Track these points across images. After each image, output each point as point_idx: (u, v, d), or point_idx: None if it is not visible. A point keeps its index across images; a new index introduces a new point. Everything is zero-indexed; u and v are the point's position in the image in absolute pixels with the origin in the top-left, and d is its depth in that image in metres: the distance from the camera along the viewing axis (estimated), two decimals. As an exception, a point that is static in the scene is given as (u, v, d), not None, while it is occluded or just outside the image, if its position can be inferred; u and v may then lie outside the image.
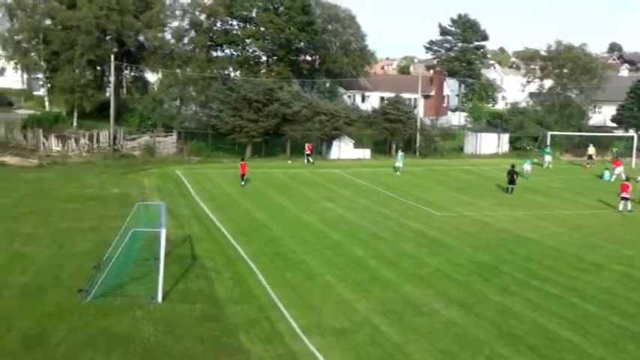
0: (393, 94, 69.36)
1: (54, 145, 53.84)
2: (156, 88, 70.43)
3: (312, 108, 60.57)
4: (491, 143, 67.36)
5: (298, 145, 61.57)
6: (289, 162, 56.87)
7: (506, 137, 68.13)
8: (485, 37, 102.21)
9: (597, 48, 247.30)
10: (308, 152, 57.69)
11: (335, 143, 61.61)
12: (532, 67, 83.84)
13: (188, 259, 24.88)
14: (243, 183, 43.50)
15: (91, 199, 36.19)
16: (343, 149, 61.56)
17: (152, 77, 74.17)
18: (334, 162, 58.98)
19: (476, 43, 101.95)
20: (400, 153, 54.00)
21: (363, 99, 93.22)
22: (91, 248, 25.31)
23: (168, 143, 57.57)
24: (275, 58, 74.39)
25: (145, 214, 25.43)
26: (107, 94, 66.02)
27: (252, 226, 31.43)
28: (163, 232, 20.19)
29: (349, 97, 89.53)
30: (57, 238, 26.92)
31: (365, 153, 62.39)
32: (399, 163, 51.95)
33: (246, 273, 23.59)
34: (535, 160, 57.36)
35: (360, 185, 45.78)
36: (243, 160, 46.51)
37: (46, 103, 69.56)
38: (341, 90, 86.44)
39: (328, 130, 60.24)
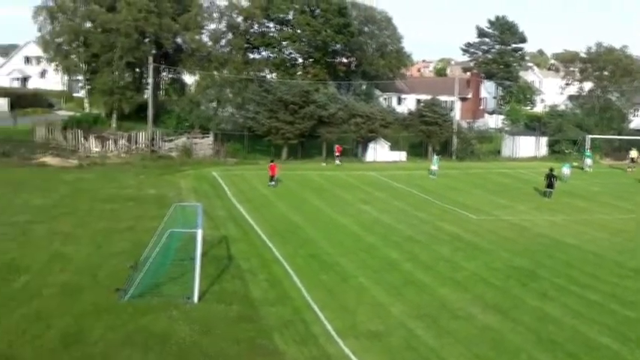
0: (429, 97, 69.07)
1: (93, 146, 54.62)
2: (193, 90, 71.03)
3: (347, 110, 60.52)
4: (529, 146, 66.60)
5: (334, 147, 61.69)
6: (323, 164, 56.83)
7: (544, 140, 67.33)
8: (523, 39, 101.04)
9: (639, 50, 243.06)
10: (337, 154, 57.65)
11: (371, 145, 61.46)
12: (571, 69, 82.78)
13: (224, 259, 25.00)
14: (273, 183, 43.86)
15: (129, 199, 36.60)
16: (379, 152, 61.38)
17: (189, 79, 74.84)
18: (370, 164, 58.85)
19: (514, 45, 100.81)
20: (435, 156, 53.66)
21: (399, 101, 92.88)
22: (129, 248, 25.58)
23: (204, 145, 58.02)
24: (311, 60, 74.54)
25: (182, 215, 25.62)
26: (145, 96, 66.62)
27: (288, 227, 31.49)
28: (200, 233, 20.31)
29: (385, 99, 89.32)
30: (95, 238, 27.27)
31: (401, 155, 62.12)
32: (434, 167, 51.60)
33: (282, 275, 23.63)
34: (574, 164, 56.53)
35: (395, 188, 45.59)
36: (272, 161, 46.81)
37: (86, 105, 70.63)
38: (377, 92, 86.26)
39: (364, 133, 60.13)
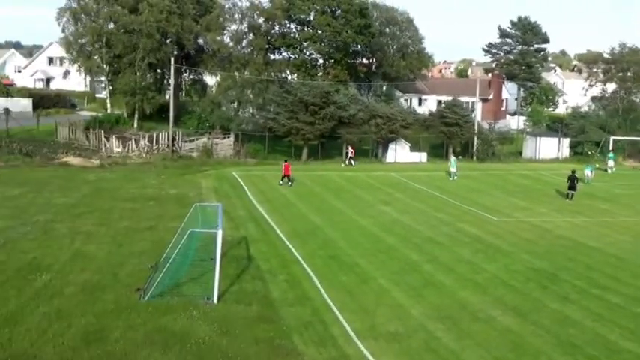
0: (450, 98, 68.75)
1: (115, 146, 55.03)
2: (214, 91, 71.35)
3: (368, 111, 60.41)
4: (550, 148, 66.05)
5: (355, 149, 61.67)
6: (343, 165, 56.70)
7: (566, 142, 66.73)
8: (545, 40, 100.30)
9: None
10: (351, 155, 57.40)
11: (391, 147, 61.30)
12: (594, 70, 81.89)
13: (243, 260, 25.08)
14: (289, 183, 44.34)
15: (150, 199, 36.84)
16: (399, 153, 61.22)
17: (210, 80, 75.20)
18: (390, 165, 58.72)
19: (536, 46, 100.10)
20: (453, 158, 53.28)
21: (420, 102, 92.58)
22: (149, 248, 25.75)
23: (225, 145, 58.22)
24: (332, 61, 74.50)
25: (202, 215, 25.78)
26: (167, 97, 67.05)
27: (308, 228, 31.52)
28: (220, 233, 20.40)
29: (406, 100, 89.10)
30: (116, 237, 27.48)
31: (421, 157, 61.91)
32: (452, 169, 51.28)
33: (301, 275, 23.66)
34: (597, 166, 55.98)
35: (415, 189, 45.46)
36: (286, 161, 47.11)
37: (108, 105, 71.22)
38: (398, 93, 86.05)
39: (384, 134, 59.97)
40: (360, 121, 59.56)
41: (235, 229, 30.31)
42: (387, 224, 33.03)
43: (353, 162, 57.17)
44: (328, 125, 57.57)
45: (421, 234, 31.04)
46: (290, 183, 44.36)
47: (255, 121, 63.99)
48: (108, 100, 71.26)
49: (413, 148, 62.19)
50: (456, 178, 50.20)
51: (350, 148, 57.90)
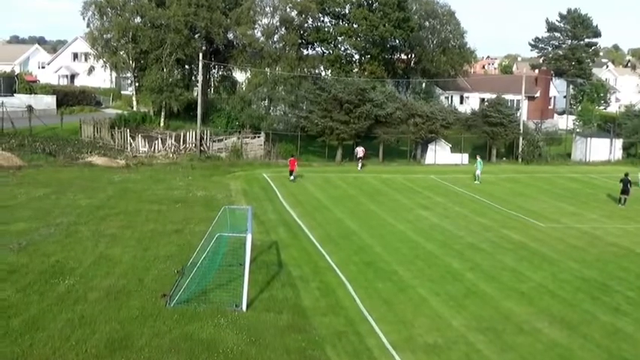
0: (494, 95, 68.32)
1: (141, 145, 55.58)
2: (244, 88, 71.63)
3: (406, 109, 60.24)
4: (602, 149, 65.19)
5: (392, 149, 61.44)
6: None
7: (619, 143, 65.82)
8: (597, 34, 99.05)
9: None
10: (361, 156, 56.09)
11: (430, 147, 61.06)
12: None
13: (274, 266, 25.15)
14: (291, 177, 45.90)
15: (177, 201, 37.12)
16: (439, 154, 60.95)
17: (240, 76, 75.47)
18: (429, 167, 58.49)
19: (587, 40, 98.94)
20: (479, 159, 52.62)
21: (462, 100, 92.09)
22: (176, 252, 25.96)
23: (255, 145, 58.50)
24: (368, 56, 74.37)
25: (231, 218, 25.90)
26: (195, 94, 67.55)
27: (342, 233, 31.53)
28: (249, 238, 20.46)
29: (446, 98, 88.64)
30: (142, 241, 27.74)
31: (463, 158, 61.55)
32: (478, 171, 50.66)
33: (335, 283, 23.66)
34: (651, 169, 55.08)
35: (456, 192, 45.22)
36: (293, 155, 47.53)
37: (134, 103, 71.97)
38: (438, 91, 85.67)
39: (423, 133, 59.77)
40: (397, 120, 59.42)
41: (265, 233, 30.43)
42: (426, 229, 32.91)
43: (360, 164, 55.83)
44: (364, 124, 57.54)
45: (462, 240, 30.87)
46: (292, 178, 45.78)
47: (287, 119, 64.15)
48: (134, 98, 71.98)
49: (454, 149, 61.89)
50: (478, 182, 49.47)
51: (360, 148, 56.87)
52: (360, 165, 55.86)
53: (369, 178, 49.91)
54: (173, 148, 55.86)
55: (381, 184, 47.45)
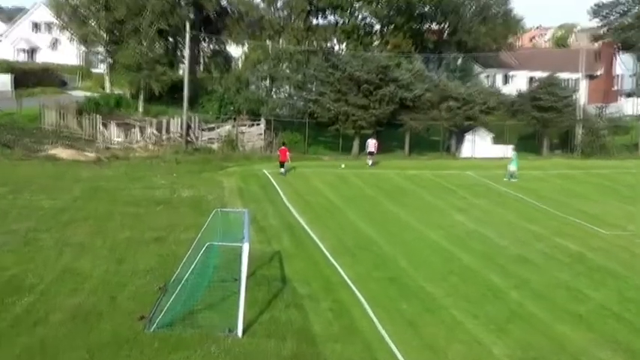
0: (545, 74, 68.11)
1: (115, 135, 55.71)
2: (240, 66, 71.70)
3: (438, 91, 60.19)
4: (679, 140, 65.06)
5: (420, 140, 61.33)
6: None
7: (701, 132, 65.65)
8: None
9: None
10: (372, 150, 55.72)
11: (468, 137, 61.01)
12: None
13: (276, 282, 25.12)
14: (282, 170, 47.37)
15: (158, 203, 37.17)
16: (478, 145, 60.86)
17: (236, 51, 75.51)
18: (466, 161, 58.45)
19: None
20: (514, 153, 52.38)
21: (506, 80, 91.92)
22: (157, 265, 25.98)
23: (254, 135, 58.56)
24: (392, 27, 74.32)
25: (224, 224, 25.87)
26: (180, 73, 67.69)
27: (359, 242, 31.50)
28: (246, 248, 20.43)
29: (487, 77, 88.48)
30: (115, 251, 27.75)
31: (507, 150, 61.33)
32: (512, 167, 50.30)
33: (350, 303, 23.60)
34: None
35: (499, 192, 45.21)
36: (284, 144, 47.62)
37: (107, 83, 72.13)
38: (477, 68, 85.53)
39: (459, 121, 59.70)
40: (427, 105, 59.38)
41: (266, 242, 30.44)
42: (463, 238, 32.88)
43: (370, 160, 55.51)
44: (386, 109, 57.50)
45: (506, 251, 30.82)
46: (283, 171, 47.02)
47: (293, 104, 64.15)
48: (106, 77, 72.18)
49: (496, 140, 61.77)
50: (514, 179, 49.36)
51: (372, 141, 56.31)
52: (370, 161, 55.54)
53: (392, 175, 49.90)
54: (154, 138, 55.94)
55: (406, 182, 47.45)
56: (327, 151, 59.08)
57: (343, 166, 54.00)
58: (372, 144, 55.98)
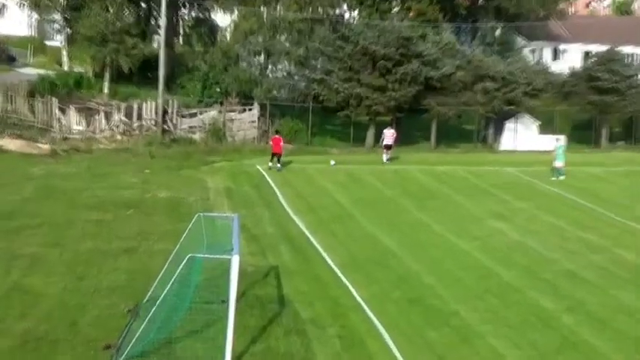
0: (604, 48, 68.06)
1: (74, 122, 55.70)
2: (228, 38, 71.67)
3: (472, 69, 60.19)
4: None
5: (450, 129, 61.26)
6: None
7: None
8: None
9: None
10: (388, 142, 54.79)
11: (508, 125, 61.04)
12: None
13: (273, 304, 25.10)
14: (279, 166, 48.06)
15: (128, 206, 37.18)
16: (522, 135, 60.90)
17: (224, 20, 75.44)
18: (506, 155, 58.44)
19: None
20: (559, 144, 51.89)
21: (556, 55, 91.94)
22: (125, 282, 25.97)
23: (245, 122, 58.61)
24: (415, -10, 74.43)
25: (209, 232, 25.86)
26: (155, 46, 67.71)
27: (374, 255, 31.47)
28: (236, 261, 20.39)
29: (532, 51, 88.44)
30: (75, 266, 27.73)
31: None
32: (559, 162, 50.02)
33: (364, 330, 23.56)
34: None
35: (547, 193, 45.23)
36: (277, 132, 48.01)
37: (64, 59, 72.05)
38: (520, 41, 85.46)
39: (498, 105, 59.68)
40: (459, 86, 59.44)
41: (261, 254, 30.42)
42: (502, 250, 32.87)
43: (386, 155, 54.77)
44: (408, 92, 57.48)
45: (556, 266, 30.78)
46: (279, 165, 47.59)
47: (293, 84, 64.16)
48: (64, 52, 72.15)
49: (544, 129, 61.72)
50: (561, 177, 49.25)
51: (389, 131, 55.32)
52: (386, 156, 54.86)
53: (416, 172, 49.91)
54: (122, 126, 55.95)
55: (433, 181, 47.49)
56: (335, 142, 59.10)
57: (333, 162, 52.78)
58: (388, 135, 55.04)
